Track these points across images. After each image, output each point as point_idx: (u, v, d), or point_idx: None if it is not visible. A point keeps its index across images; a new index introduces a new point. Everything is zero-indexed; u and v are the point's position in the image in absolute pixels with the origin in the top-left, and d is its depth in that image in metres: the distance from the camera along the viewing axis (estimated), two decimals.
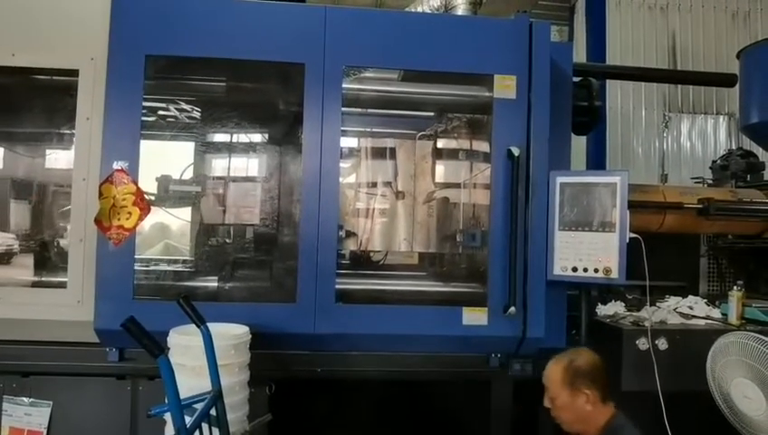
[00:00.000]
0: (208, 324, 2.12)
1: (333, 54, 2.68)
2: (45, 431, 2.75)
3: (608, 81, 6.42)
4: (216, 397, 1.96)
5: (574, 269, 2.70)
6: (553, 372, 2.17)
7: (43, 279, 2.99)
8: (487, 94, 2.81)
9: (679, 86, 7.37)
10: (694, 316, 3.24)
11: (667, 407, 2.65)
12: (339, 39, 2.69)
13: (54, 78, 2.84)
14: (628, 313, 3.22)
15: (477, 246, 3.09)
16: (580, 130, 3.29)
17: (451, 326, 2.71)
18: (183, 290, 2.67)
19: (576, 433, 2.21)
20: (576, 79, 3.21)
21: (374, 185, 3.33)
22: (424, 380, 2.95)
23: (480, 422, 3.00)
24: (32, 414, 2.77)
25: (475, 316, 2.71)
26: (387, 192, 3.53)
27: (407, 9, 3.63)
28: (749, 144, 4.97)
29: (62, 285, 2.71)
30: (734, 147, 5.76)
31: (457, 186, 3.38)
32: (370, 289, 3.08)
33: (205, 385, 2.02)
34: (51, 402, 2.77)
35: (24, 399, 2.77)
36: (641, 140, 7.38)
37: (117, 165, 2.58)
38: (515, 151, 2.66)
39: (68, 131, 2.82)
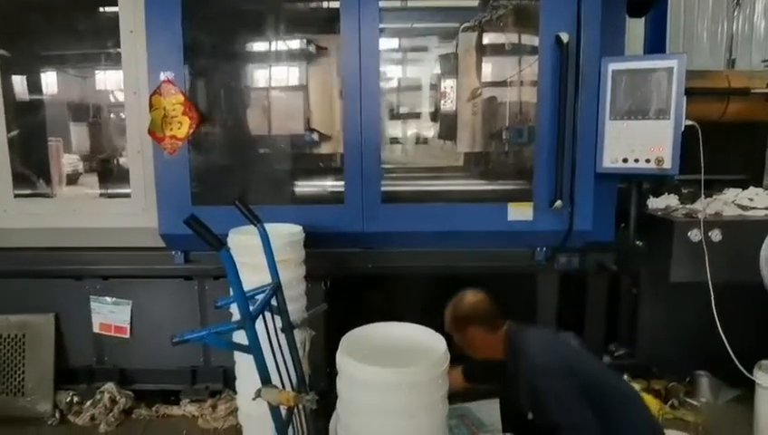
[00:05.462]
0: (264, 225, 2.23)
1: None
2: (129, 326, 3.08)
3: None
4: (276, 288, 2.10)
5: (624, 160, 2.63)
6: (445, 317, 2.28)
7: (108, 191, 3.19)
8: None
9: None
10: (753, 208, 3.11)
11: (717, 299, 2.63)
12: None
13: None
14: (682, 205, 3.13)
15: (524, 142, 3.03)
16: (637, 11, 3.05)
17: (496, 222, 2.74)
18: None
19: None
20: None
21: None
22: (470, 274, 3.04)
23: (526, 316, 3.10)
24: (115, 312, 3.09)
25: (520, 211, 2.72)
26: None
27: None
28: None
29: (126, 196, 2.90)
30: None
31: (503, 83, 3.26)
32: (416, 190, 3.13)
33: (264, 280, 2.16)
34: (130, 301, 3.07)
35: (108, 298, 3.08)
36: (708, 23, 6.72)
37: (163, 76, 2.64)
38: (564, 38, 2.52)
39: (116, 51, 2.85)
